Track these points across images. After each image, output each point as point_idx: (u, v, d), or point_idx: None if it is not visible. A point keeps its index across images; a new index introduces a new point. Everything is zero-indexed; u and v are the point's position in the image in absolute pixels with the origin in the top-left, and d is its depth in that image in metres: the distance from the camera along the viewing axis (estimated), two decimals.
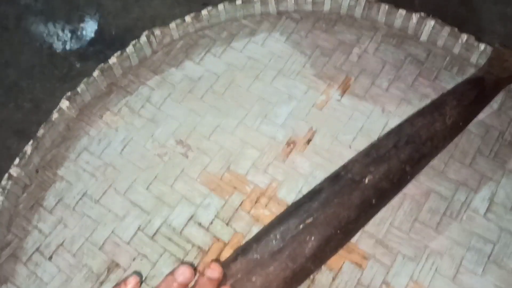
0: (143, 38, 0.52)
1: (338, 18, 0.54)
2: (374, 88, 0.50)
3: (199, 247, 0.44)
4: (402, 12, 0.52)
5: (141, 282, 0.39)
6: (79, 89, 0.49)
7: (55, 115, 0.48)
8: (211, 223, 0.45)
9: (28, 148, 0.47)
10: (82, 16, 0.56)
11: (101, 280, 0.43)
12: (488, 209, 0.44)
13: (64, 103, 0.49)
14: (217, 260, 0.42)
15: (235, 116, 0.50)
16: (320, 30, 0.54)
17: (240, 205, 0.45)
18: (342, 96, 0.50)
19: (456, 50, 0.51)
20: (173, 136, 0.49)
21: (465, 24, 0.56)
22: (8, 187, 0.45)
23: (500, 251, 0.43)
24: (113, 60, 0.51)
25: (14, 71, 0.54)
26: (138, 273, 0.43)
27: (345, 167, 0.41)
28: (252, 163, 0.47)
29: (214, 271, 0.34)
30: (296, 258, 0.37)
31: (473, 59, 0.51)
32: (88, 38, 0.55)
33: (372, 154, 0.41)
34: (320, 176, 0.46)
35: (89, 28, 0.55)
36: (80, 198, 0.46)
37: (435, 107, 0.43)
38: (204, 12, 0.54)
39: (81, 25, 0.55)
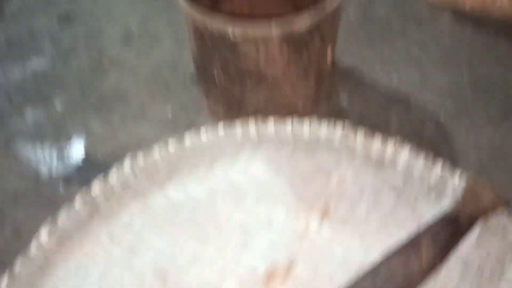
0: (126, 162, 0.53)
1: (317, 143, 0.56)
2: (353, 216, 0.51)
3: None
4: (378, 139, 0.54)
5: None
6: (59, 219, 0.50)
7: (33, 247, 0.48)
8: None
9: (3, 283, 0.46)
10: (69, 140, 0.58)
11: None
12: None
13: (43, 233, 0.49)
14: None
15: (215, 245, 0.50)
16: (300, 154, 0.55)
17: None
18: (321, 224, 0.51)
19: (432, 178, 0.52)
20: (152, 267, 0.49)
21: (441, 149, 0.58)
22: None
23: None
24: (95, 186, 0.52)
25: None
26: None
27: None
28: None
29: None
30: None
31: (449, 187, 0.52)
32: (74, 162, 0.56)
33: None
34: None
35: (75, 152, 0.57)
36: None
37: (412, 246, 0.44)
38: (187, 135, 0.56)
39: (68, 149, 0.57)
